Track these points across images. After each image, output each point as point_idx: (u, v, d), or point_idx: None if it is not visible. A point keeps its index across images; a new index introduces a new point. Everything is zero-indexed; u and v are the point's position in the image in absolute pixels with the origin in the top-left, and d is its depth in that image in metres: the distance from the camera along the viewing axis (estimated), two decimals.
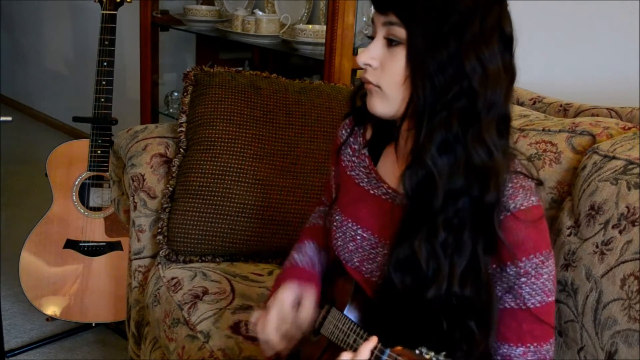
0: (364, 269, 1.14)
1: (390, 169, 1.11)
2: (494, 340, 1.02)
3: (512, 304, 1.00)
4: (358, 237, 1.14)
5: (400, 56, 0.97)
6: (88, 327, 2.38)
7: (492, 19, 0.94)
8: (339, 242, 1.17)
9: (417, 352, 0.84)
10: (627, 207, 1.19)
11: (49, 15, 4.43)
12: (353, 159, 1.17)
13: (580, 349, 1.22)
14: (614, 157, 1.27)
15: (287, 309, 1.14)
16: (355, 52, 2.21)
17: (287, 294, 1.15)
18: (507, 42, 0.96)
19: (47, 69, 4.58)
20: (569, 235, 1.28)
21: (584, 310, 1.20)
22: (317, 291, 1.18)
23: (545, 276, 1.00)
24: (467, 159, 0.94)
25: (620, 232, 1.18)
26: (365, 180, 1.14)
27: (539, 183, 1.03)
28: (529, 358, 1.01)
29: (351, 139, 1.18)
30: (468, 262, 0.96)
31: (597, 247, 1.21)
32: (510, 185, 0.98)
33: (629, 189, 1.20)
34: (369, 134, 1.16)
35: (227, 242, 1.71)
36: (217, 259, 1.74)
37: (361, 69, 1.04)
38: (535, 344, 1.01)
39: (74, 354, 2.29)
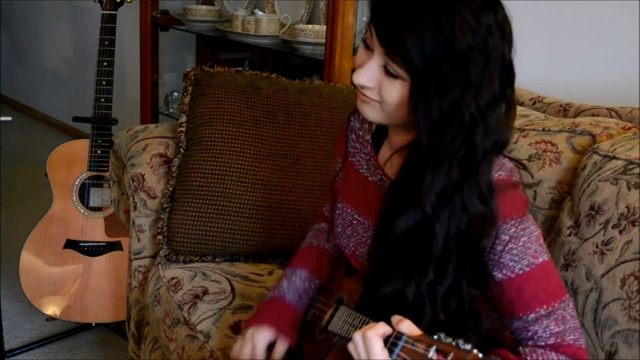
0: (358, 253, 1.16)
1: (386, 157, 1.13)
2: (506, 320, 1.02)
3: (501, 276, 0.99)
4: (354, 222, 1.16)
5: (399, 87, 0.96)
6: (88, 327, 2.38)
7: (495, 50, 0.93)
8: (339, 229, 1.20)
9: (435, 337, 0.84)
10: (627, 207, 1.19)
11: (49, 15, 4.43)
12: (356, 144, 1.18)
13: None
14: (614, 157, 1.27)
15: (260, 351, 1.22)
16: (355, 52, 2.21)
17: (262, 338, 1.22)
18: (507, 72, 0.96)
19: (47, 69, 4.58)
20: (569, 235, 1.28)
21: (584, 310, 1.20)
22: (295, 333, 1.24)
23: (524, 238, 0.99)
24: (464, 207, 0.95)
25: (620, 232, 1.18)
26: (365, 166, 1.16)
27: (511, 159, 1.04)
28: (544, 322, 0.99)
29: (357, 125, 1.19)
30: (449, 290, 0.97)
31: (597, 247, 1.21)
32: None
33: (629, 189, 1.20)
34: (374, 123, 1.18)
35: (227, 242, 1.71)
36: (217, 259, 1.74)
37: None
38: (545, 307, 0.99)
39: (74, 354, 2.29)
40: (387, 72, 0.97)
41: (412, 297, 0.97)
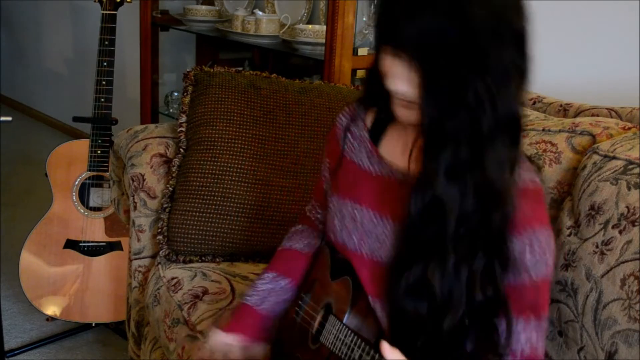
0: (364, 245, 1.13)
1: (393, 148, 1.12)
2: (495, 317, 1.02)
3: (513, 279, 1.00)
4: (357, 215, 1.15)
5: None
6: (88, 327, 2.38)
7: (503, 18, 0.90)
8: (337, 227, 1.18)
9: None
10: (627, 207, 1.19)
11: (49, 15, 4.43)
12: (354, 143, 1.18)
13: (580, 349, 1.22)
14: (614, 157, 1.27)
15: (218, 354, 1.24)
16: (355, 52, 2.21)
17: (216, 338, 1.26)
18: (518, 42, 0.92)
19: (47, 69, 4.58)
20: (569, 235, 1.28)
21: (584, 310, 1.20)
22: (264, 334, 1.25)
23: (549, 251, 1.01)
24: (476, 182, 0.94)
25: (620, 232, 1.18)
26: (367, 162, 1.15)
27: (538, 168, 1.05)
28: (528, 331, 1.01)
29: (350, 124, 1.19)
30: (482, 276, 0.97)
31: (597, 247, 1.21)
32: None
33: (629, 189, 1.20)
34: (369, 119, 1.17)
35: (227, 242, 1.71)
36: (217, 259, 1.74)
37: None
38: (533, 317, 1.02)
39: (74, 354, 2.29)
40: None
41: (439, 285, 0.96)
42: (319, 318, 1.18)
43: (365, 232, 1.13)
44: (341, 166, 1.20)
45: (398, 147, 1.11)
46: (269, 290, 1.28)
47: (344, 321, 1.09)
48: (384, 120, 1.14)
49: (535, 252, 0.99)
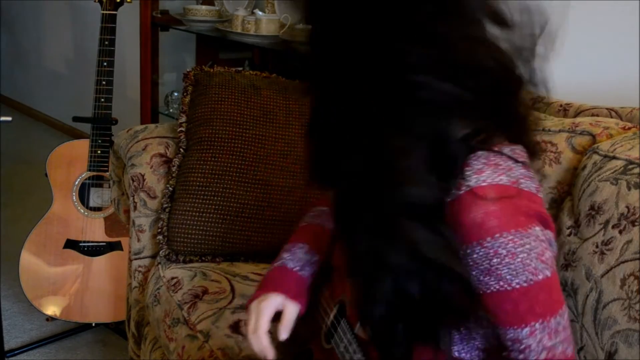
0: None
1: None
2: (499, 328, 0.99)
3: (497, 287, 0.95)
4: None
5: None
6: (88, 327, 2.38)
7: None
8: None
9: None
10: (627, 207, 1.19)
11: (49, 15, 4.43)
12: None
13: (580, 349, 1.22)
14: (614, 157, 1.27)
15: (265, 319, 1.13)
16: None
17: (266, 306, 1.14)
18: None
19: (47, 69, 4.58)
20: (569, 235, 1.28)
21: (584, 310, 1.20)
22: (303, 300, 1.16)
23: (523, 255, 0.93)
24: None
25: (620, 232, 1.18)
26: None
27: (520, 162, 0.96)
28: (538, 336, 0.97)
29: None
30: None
31: (597, 247, 1.21)
32: (483, 161, 0.93)
33: (629, 189, 1.20)
34: None
35: (227, 242, 1.71)
36: (217, 259, 1.74)
37: None
38: (540, 320, 0.96)
39: (74, 354, 2.29)
40: None
41: (392, 256, 0.93)
42: (331, 316, 1.15)
43: None
44: None
45: None
46: (305, 260, 1.21)
47: (356, 330, 1.07)
48: None
49: (511, 262, 0.93)
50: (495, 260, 0.94)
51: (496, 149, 0.95)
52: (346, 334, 1.09)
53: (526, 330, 0.97)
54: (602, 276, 1.18)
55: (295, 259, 1.21)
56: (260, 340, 1.12)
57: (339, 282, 1.18)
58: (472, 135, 0.95)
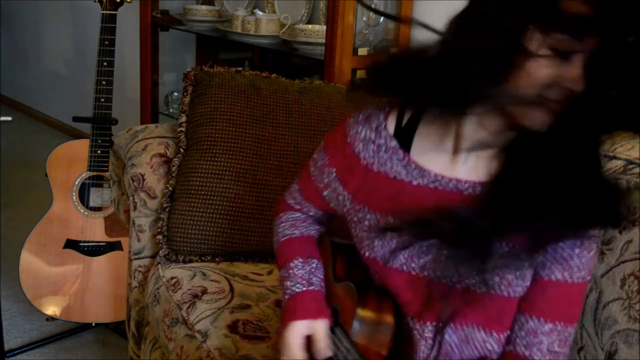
0: (413, 265, 1.05)
1: (425, 151, 1.05)
2: (522, 314, 1.01)
3: (559, 276, 0.99)
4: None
5: None
6: (88, 327, 2.38)
7: None
8: (377, 244, 1.07)
9: None
10: (627, 207, 1.19)
11: (49, 15, 4.43)
12: (380, 154, 1.07)
13: (580, 349, 1.21)
14: (614, 157, 1.27)
15: (298, 350, 1.11)
16: (355, 52, 2.21)
17: (294, 335, 1.11)
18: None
19: (47, 69, 4.58)
20: None
21: (584, 310, 1.20)
22: (326, 311, 1.14)
23: (592, 252, 1.00)
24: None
25: (620, 232, 1.18)
26: (404, 172, 1.05)
27: None
28: (553, 337, 1.01)
29: (371, 134, 1.08)
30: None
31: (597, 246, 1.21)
32: None
33: (629, 189, 1.20)
34: (391, 127, 1.07)
35: (226, 242, 1.71)
36: (217, 259, 1.74)
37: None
38: (563, 323, 1.01)
39: (74, 354, 2.29)
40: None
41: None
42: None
43: (416, 250, 1.04)
44: (367, 179, 1.09)
45: (430, 149, 1.04)
46: (307, 271, 1.18)
47: (353, 338, 1.06)
48: (410, 121, 1.06)
49: (587, 253, 0.99)
50: (577, 249, 0.98)
51: None
52: (342, 340, 1.09)
53: (549, 326, 0.99)
54: (602, 276, 1.18)
55: (298, 281, 1.18)
56: None
57: (328, 290, 1.17)
58: None
